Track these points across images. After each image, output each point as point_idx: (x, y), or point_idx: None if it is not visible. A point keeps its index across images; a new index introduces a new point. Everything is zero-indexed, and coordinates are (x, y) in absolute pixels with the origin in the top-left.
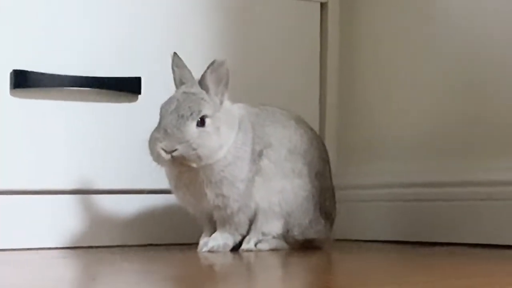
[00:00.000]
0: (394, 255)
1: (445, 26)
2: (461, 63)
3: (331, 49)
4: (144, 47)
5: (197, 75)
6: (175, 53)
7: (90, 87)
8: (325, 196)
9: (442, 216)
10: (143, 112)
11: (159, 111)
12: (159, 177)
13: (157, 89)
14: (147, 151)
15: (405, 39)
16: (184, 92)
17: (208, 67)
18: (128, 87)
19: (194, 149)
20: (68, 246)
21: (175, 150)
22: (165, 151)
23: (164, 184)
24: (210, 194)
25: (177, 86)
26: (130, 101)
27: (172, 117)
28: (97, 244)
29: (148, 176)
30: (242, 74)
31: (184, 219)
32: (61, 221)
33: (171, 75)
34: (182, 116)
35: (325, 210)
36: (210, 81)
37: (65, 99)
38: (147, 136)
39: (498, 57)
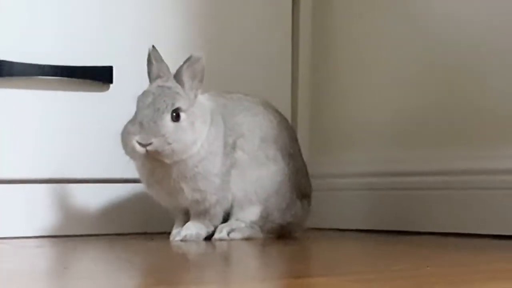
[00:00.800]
0: (370, 244)
1: (419, 16)
2: (435, 53)
3: (303, 39)
4: (116, 37)
5: (169, 66)
6: (153, 46)
7: (61, 76)
8: (300, 176)
9: (416, 205)
10: (115, 101)
11: (136, 104)
12: (131, 167)
13: (129, 78)
14: (120, 143)
15: (378, 29)
16: (159, 86)
17: (184, 62)
18: (99, 76)
19: (169, 144)
20: (42, 235)
21: (150, 143)
22: (140, 144)
23: (136, 173)
24: (186, 189)
25: (151, 80)
26: (101, 90)
27: (148, 111)
28: (71, 233)
29: (120, 165)
30: (214, 66)
31: (156, 208)
32: (35, 210)
33: (143, 65)
34: (158, 109)
35: (301, 189)
36: (185, 76)
37: (36, 88)
38: (119, 127)
39: (471, 48)
